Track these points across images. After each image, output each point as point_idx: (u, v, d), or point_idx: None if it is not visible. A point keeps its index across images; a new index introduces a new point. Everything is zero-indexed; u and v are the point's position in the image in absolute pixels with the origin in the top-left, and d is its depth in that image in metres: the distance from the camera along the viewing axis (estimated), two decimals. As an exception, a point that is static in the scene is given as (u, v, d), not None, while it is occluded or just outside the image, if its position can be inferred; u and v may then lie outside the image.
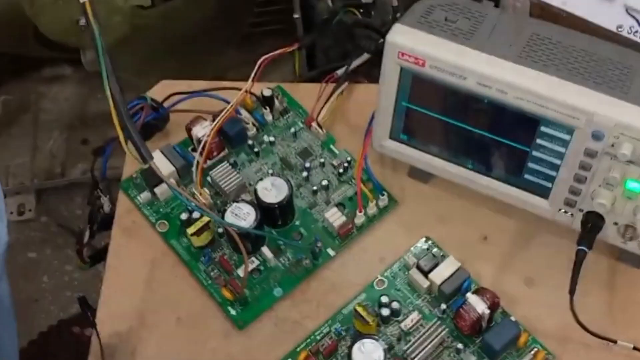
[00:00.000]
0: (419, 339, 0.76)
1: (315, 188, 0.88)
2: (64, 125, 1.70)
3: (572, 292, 0.74)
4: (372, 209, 0.87)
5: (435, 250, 0.84)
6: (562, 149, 0.75)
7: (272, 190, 0.83)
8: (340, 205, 0.88)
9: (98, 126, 1.64)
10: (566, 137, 0.74)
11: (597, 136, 0.71)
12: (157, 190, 0.87)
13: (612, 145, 0.71)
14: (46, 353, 1.20)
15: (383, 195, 0.87)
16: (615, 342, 0.76)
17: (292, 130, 0.92)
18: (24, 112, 1.72)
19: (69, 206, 1.63)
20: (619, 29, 0.89)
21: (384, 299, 0.79)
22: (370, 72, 0.97)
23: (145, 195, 0.88)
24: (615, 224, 0.78)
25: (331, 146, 0.92)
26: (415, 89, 0.79)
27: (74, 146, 1.66)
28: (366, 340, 0.74)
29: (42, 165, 1.65)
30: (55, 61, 1.76)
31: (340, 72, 0.96)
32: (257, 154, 0.91)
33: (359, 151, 0.88)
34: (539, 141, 0.76)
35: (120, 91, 0.80)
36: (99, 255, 0.92)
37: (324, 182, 0.88)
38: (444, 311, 0.80)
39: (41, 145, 1.68)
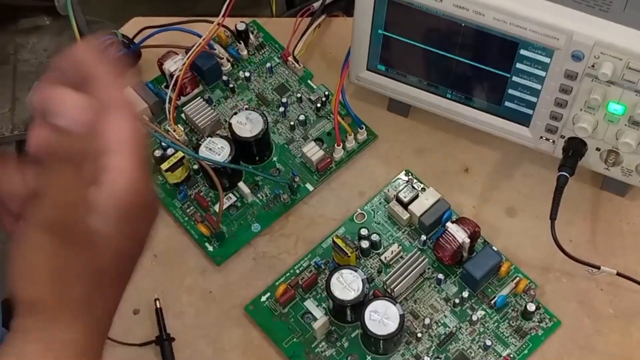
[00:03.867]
0: (398, 270, 0.75)
1: (292, 123, 0.86)
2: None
3: (553, 217, 0.73)
4: (350, 143, 0.85)
5: (415, 182, 0.83)
6: (542, 73, 0.73)
7: (247, 125, 0.81)
8: (318, 140, 0.86)
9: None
10: (546, 59, 0.72)
11: (577, 56, 0.69)
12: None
13: (593, 66, 0.69)
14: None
15: (362, 128, 0.86)
16: (598, 267, 0.75)
17: (268, 65, 0.90)
18: (2, 64, 1.69)
19: (50, 157, 1.61)
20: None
21: (364, 232, 0.78)
22: (348, 7, 0.95)
23: (118, 133, 0.86)
24: (598, 149, 0.76)
25: (308, 81, 0.90)
26: (391, 15, 0.77)
27: (53, 97, 1.63)
28: (345, 271, 0.72)
29: (22, 116, 1.62)
30: (32, 11, 1.73)
31: (316, 5, 0.93)
32: (232, 90, 0.89)
33: (336, 86, 0.86)
34: (518, 65, 0.74)
35: (87, 24, 0.78)
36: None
37: (302, 118, 0.87)
38: (424, 242, 0.79)
39: (21, 97, 1.65)
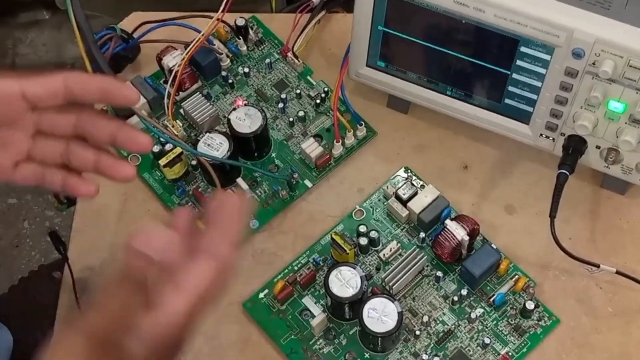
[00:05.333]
0: (397, 267, 0.75)
1: (291, 119, 0.86)
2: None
3: (552, 215, 0.73)
4: (350, 140, 0.85)
5: (414, 179, 0.83)
6: (542, 70, 0.73)
7: (246, 120, 0.81)
8: (317, 136, 0.86)
9: (76, 70, 1.60)
10: (546, 57, 0.71)
11: (577, 54, 0.68)
12: (128, 122, 0.85)
13: (593, 64, 0.69)
14: (26, 298, 1.19)
15: (361, 125, 0.85)
16: (597, 266, 0.75)
17: (268, 61, 0.90)
18: (1, 58, 1.69)
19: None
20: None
21: (362, 229, 0.78)
22: (348, 3, 0.95)
23: (116, 129, 0.85)
24: (598, 147, 0.76)
25: (308, 77, 0.90)
26: (392, 11, 0.76)
27: (52, 91, 1.63)
28: (343, 267, 0.72)
29: (20, 111, 1.62)
30: (31, 5, 1.72)
31: (316, 0, 0.93)
32: (231, 85, 0.89)
33: (336, 82, 0.85)
34: (519, 63, 0.74)
35: (86, 19, 0.78)
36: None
37: (301, 114, 0.86)
38: (423, 240, 0.78)
39: (19, 92, 1.64)
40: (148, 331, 0.47)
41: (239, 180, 0.82)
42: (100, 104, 0.56)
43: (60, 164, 0.60)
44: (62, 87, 0.56)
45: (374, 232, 0.78)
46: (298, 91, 0.88)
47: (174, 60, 0.84)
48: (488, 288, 0.76)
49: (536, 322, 0.75)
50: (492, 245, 0.77)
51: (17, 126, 0.57)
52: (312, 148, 0.83)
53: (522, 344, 0.74)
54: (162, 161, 0.79)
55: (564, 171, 0.75)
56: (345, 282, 0.72)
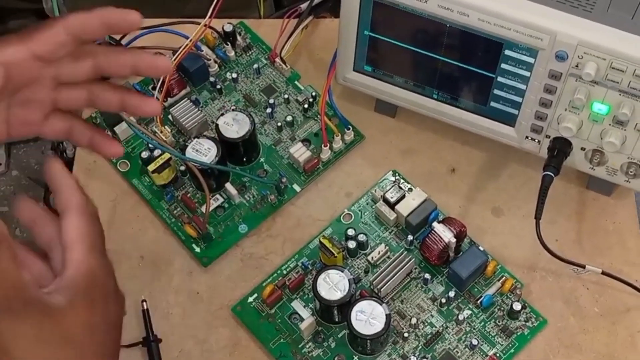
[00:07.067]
0: (385, 270, 0.76)
1: (279, 124, 0.87)
2: (32, 78, 1.66)
3: (538, 217, 0.74)
4: (337, 144, 0.85)
5: (402, 183, 0.83)
6: (526, 73, 0.73)
7: (234, 125, 0.81)
8: (305, 141, 0.86)
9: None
10: (530, 59, 0.72)
11: (560, 57, 0.69)
12: (117, 129, 0.85)
13: (577, 66, 0.69)
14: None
15: (349, 129, 0.86)
16: (583, 267, 0.76)
17: (256, 66, 0.90)
18: (-10, 66, 1.68)
19: (39, 159, 1.61)
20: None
21: (351, 232, 0.78)
22: (335, 8, 0.95)
23: (105, 135, 0.86)
24: (583, 149, 0.76)
25: (296, 82, 0.90)
26: (377, 16, 0.77)
27: (42, 98, 1.62)
28: (331, 271, 0.73)
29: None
30: (21, 13, 1.72)
31: (303, 6, 0.93)
32: (219, 91, 0.89)
33: (323, 87, 0.86)
34: (503, 66, 0.74)
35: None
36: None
37: (289, 118, 0.87)
38: (411, 243, 0.79)
39: (9, 99, 1.64)
40: (66, 285, 0.51)
41: (228, 185, 0.82)
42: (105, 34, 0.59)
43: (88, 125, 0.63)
44: (66, 36, 0.56)
45: (362, 235, 0.78)
46: (286, 96, 0.89)
47: (161, 66, 0.85)
48: (475, 290, 0.77)
49: (523, 323, 0.75)
50: (479, 247, 0.77)
51: (38, 83, 0.58)
52: (300, 152, 0.83)
53: (510, 345, 0.74)
54: (151, 167, 0.80)
55: (549, 173, 0.75)
56: (333, 285, 0.72)
